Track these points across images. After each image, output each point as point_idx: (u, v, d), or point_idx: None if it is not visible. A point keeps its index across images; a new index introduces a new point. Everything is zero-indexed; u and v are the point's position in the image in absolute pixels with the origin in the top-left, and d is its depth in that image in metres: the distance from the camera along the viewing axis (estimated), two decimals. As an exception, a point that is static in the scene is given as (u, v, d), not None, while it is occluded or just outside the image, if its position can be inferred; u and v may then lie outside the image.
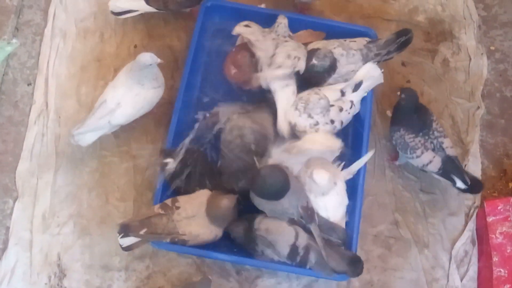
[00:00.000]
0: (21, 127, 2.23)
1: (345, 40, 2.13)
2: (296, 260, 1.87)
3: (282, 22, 2.13)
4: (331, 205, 1.92)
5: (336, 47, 2.09)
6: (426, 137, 2.00)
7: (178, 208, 1.89)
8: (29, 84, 2.30)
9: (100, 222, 2.09)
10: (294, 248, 1.86)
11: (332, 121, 2.04)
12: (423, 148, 1.99)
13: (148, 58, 1.98)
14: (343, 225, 1.96)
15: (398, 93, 2.02)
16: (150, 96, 2.05)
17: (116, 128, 2.09)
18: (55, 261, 2.04)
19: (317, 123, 2.02)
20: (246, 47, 2.13)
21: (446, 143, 2.01)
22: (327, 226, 1.91)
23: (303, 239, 1.87)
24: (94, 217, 2.09)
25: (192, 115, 2.14)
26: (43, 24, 2.38)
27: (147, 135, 2.21)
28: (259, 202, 1.88)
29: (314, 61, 2.07)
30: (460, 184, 2.00)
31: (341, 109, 2.04)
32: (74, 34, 2.36)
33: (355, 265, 1.87)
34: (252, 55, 2.11)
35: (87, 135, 2.04)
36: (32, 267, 2.03)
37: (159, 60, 2.00)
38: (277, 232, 1.88)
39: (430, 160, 2.00)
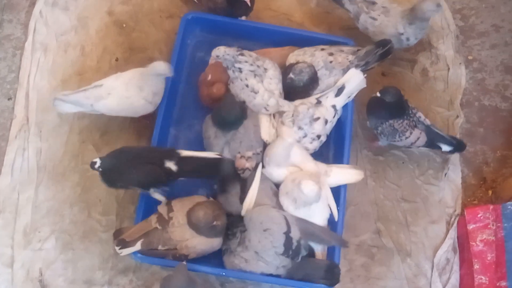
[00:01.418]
0: (1, 142, 2.21)
1: (330, 61, 2.13)
2: (290, 251, 1.86)
3: (221, 50, 2.09)
4: (313, 214, 1.93)
5: (320, 68, 2.12)
6: (409, 118, 2.08)
7: (171, 218, 1.88)
8: (9, 99, 2.29)
9: (82, 236, 2.08)
10: (288, 238, 1.86)
11: (319, 136, 2.07)
12: (410, 129, 2.07)
13: (163, 67, 1.99)
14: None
15: (378, 94, 2.05)
16: (138, 106, 2.04)
17: (97, 113, 2.08)
18: (37, 276, 2.02)
19: (305, 135, 2.04)
20: (218, 70, 2.14)
21: (421, 115, 2.11)
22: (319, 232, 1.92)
23: (295, 232, 1.87)
24: (77, 232, 2.08)
25: (173, 131, 2.16)
26: (24, 38, 2.37)
27: (129, 148, 2.21)
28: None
29: (291, 75, 2.09)
30: (446, 147, 2.11)
31: (326, 122, 2.06)
32: (54, 48, 2.35)
33: (333, 272, 1.89)
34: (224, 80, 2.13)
35: (67, 105, 2.05)
36: (13, 283, 2.01)
37: (171, 74, 2.01)
38: (270, 220, 1.88)
39: (417, 137, 2.09)
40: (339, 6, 2.30)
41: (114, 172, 1.89)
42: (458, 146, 2.13)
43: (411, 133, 2.07)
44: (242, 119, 2.00)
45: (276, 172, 1.99)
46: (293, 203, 1.92)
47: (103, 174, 1.89)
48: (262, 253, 1.86)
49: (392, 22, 2.18)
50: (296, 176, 1.93)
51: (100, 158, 1.87)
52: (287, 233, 1.86)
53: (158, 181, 1.92)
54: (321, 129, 2.06)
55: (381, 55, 2.13)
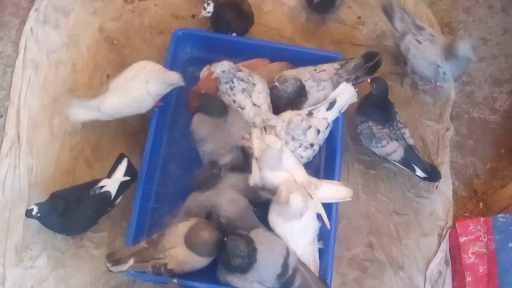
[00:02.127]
0: (-8, 160, 2.21)
1: (315, 70, 2.16)
2: (284, 278, 1.86)
3: (226, 66, 2.07)
4: (297, 229, 1.93)
5: (307, 80, 2.13)
6: (391, 128, 2.10)
7: (162, 242, 1.89)
8: (0, 116, 2.29)
9: (74, 253, 2.07)
10: (285, 264, 1.86)
11: (312, 145, 2.07)
12: (389, 139, 2.09)
13: (176, 78, 2.02)
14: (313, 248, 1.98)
15: (369, 81, 2.08)
16: (139, 101, 2.05)
17: (108, 117, 2.09)
18: (29, 295, 2.02)
19: (300, 145, 2.05)
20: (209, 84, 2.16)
21: (407, 133, 2.13)
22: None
23: (293, 259, 1.88)
24: (68, 249, 2.07)
25: (164, 146, 2.17)
26: (14, 56, 2.38)
27: (121, 164, 2.21)
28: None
29: (276, 83, 2.11)
30: (419, 172, 2.12)
31: (318, 132, 2.07)
32: (46, 65, 2.36)
33: None
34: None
35: (79, 111, 2.07)
36: (5, 302, 2.00)
37: (182, 83, 2.05)
38: (274, 241, 1.90)
39: (394, 150, 2.10)
40: (388, 20, 2.33)
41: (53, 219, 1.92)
42: (433, 174, 2.13)
43: (388, 143, 2.09)
44: (226, 107, 2.06)
45: (271, 175, 1.99)
46: (280, 216, 1.93)
47: (42, 220, 1.92)
48: (261, 270, 1.86)
49: (435, 51, 2.18)
50: (284, 188, 1.93)
51: (37, 204, 1.89)
52: (286, 258, 1.86)
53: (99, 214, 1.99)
54: (314, 137, 2.07)
55: (371, 68, 2.15)
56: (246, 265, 1.82)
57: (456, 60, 2.15)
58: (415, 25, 2.24)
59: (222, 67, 2.06)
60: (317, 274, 1.95)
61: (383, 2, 2.31)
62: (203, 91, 2.11)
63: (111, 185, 1.98)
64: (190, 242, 1.87)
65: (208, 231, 1.88)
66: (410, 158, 2.10)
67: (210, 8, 2.27)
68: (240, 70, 2.10)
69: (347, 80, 2.13)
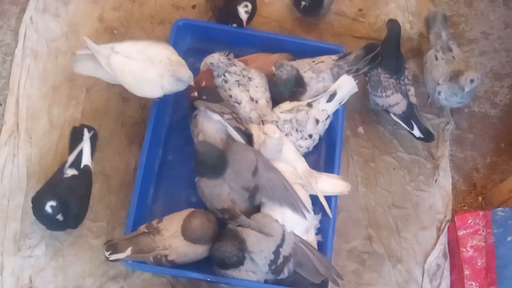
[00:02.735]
0: (-9, 149, 2.21)
1: (314, 61, 2.16)
2: (274, 265, 1.87)
3: (216, 57, 2.06)
4: (288, 217, 1.93)
5: (307, 71, 2.12)
6: (398, 81, 2.13)
7: (161, 229, 1.89)
8: (-1, 105, 2.29)
9: (73, 243, 2.07)
10: (277, 251, 1.87)
11: (311, 135, 2.07)
12: (394, 90, 2.12)
13: (186, 75, 1.96)
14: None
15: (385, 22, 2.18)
16: (148, 78, 1.97)
17: (110, 79, 2.03)
18: (27, 283, 2.01)
19: (302, 137, 2.07)
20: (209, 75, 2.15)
21: (412, 91, 2.18)
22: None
23: (287, 247, 1.88)
24: (67, 238, 2.07)
25: (164, 137, 2.16)
26: (14, 45, 2.37)
27: (120, 155, 2.20)
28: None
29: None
30: (416, 131, 2.16)
31: (317, 121, 2.07)
32: (45, 54, 2.35)
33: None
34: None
35: (86, 63, 2.02)
36: (3, 290, 2.00)
37: (191, 83, 2.00)
38: (271, 228, 1.90)
39: (397, 102, 2.14)
40: (426, 31, 2.33)
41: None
42: (428, 136, 2.18)
43: (392, 93, 2.13)
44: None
45: None
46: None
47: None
48: (255, 254, 1.86)
49: (444, 70, 2.15)
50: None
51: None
52: (279, 246, 1.87)
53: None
54: (312, 128, 2.07)
55: (371, 60, 2.15)
56: (238, 262, 1.85)
57: (455, 86, 2.10)
58: (447, 45, 2.21)
59: (211, 59, 2.06)
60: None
61: (430, 13, 2.31)
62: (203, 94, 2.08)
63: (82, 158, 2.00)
64: (186, 232, 1.87)
65: (200, 219, 1.88)
66: (411, 114, 2.14)
67: (249, 8, 2.21)
68: (233, 64, 2.09)
69: (347, 72, 2.12)
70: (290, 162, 2.00)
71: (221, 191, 1.91)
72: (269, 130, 1.94)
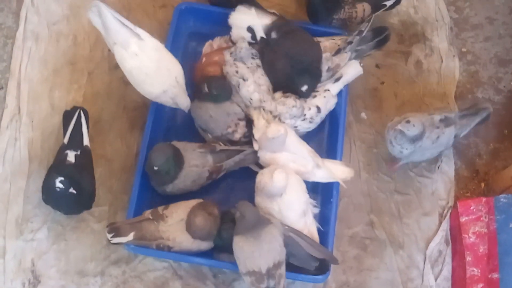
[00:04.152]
0: (-8, 132, 2.20)
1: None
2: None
3: (243, 46, 2.11)
4: (284, 200, 1.92)
5: None
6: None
7: (166, 216, 1.89)
8: (1, 88, 2.27)
9: (75, 227, 2.07)
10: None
11: (319, 108, 2.08)
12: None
13: (184, 104, 2.01)
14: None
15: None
16: (149, 80, 1.93)
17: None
18: (29, 267, 2.01)
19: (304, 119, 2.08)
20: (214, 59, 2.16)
21: None
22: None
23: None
24: (69, 222, 2.07)
25: (166, 121, 2.15)
26: (15, 27, 2.35)
27: (122, 138, 2.20)
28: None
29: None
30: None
31: (318, 109, 2.08)
32: (46, 37, 2.33)
33: (324, 261, 1.91)
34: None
35: (96, 17, 1.90)
36: (5, 274, 2.00)
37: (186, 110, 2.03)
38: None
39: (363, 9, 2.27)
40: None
41: None
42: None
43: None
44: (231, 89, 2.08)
45: (270, 156, 1.98)
46: (264, 195, 1.92)
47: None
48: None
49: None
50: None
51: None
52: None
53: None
54: (314, 114, 2.08)
55: (378, 43, 2.14)
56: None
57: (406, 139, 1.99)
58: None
59: (242, 44, 2.11)
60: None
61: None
62: (210, 76, 2.11)
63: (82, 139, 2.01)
64: (190, 229, 1.87)
65: (204, 216, 1.87)
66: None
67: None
68: (252, 57, 2.12)
69: (355, 51, 2.13)
70: (293, 150, 1.99)
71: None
72: (273, 132, 1.91)
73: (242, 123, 2.07)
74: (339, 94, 2.14)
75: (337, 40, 2.17)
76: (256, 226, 1.81)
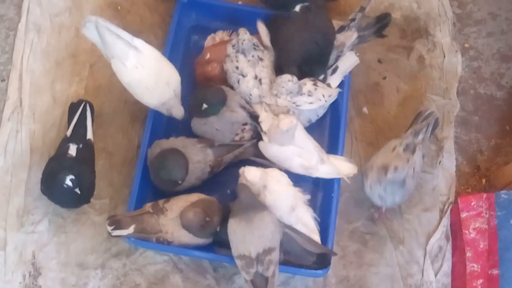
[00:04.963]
0: (-6, 124, 2.20)
1: None
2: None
3: (245, 38, 2.10)
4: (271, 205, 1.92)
5: None
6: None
7: (166, 210, 1.89)
8: (2, 80, 2.27)
9: (75, 219, 2.07)
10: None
11: (315, 83, 2.08)
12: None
13: (179, 115, 2.02)
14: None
15: None
16: (147, 90, 1.93)
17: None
18: (30, 259, 2.02)
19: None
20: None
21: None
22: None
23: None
24: (70, 215, 2.07)
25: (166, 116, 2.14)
26: (17, 19, 2.35)
27: (123, 132, 2.20)
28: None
29: None
30: None
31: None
32: (48, 29, 2.33)
33: (324, 255, 1.92)
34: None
35: (94, 31, 1.85)
36: (6, 265, 2.01)
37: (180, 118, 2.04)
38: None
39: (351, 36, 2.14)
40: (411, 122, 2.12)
41: None
42: None
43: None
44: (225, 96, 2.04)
45: (276, 149, 1.99)
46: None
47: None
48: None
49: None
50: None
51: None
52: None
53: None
54: (311, 88, 2.08)
55: (379, 28, 2.15)
56: None
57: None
58: (413, 147, 1.98)
59: (244, 36, 2.09)
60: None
61: (426, 111, 2.08)
62: (203, 91, 2.08)
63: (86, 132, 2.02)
64: (187, 227, 1.87)
65: (200, 215, 1.86)
66: None
67: None
68: (255, 48, 2.11)
69: (358, 37, 2.13)
70: (301, 143, 1.99)
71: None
72: (285, 125, 1.91)
73: (248, 127, 2.07)
74: (341, 89, 2.14)
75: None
76: (249, 209, 1.83)
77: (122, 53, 1.86)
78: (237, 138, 2.07)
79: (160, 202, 1.91)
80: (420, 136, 2.00)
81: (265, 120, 2.01)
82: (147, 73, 1.90)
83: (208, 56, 2.14)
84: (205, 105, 1.99)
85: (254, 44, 2.11)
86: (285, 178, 1.97)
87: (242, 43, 2.09)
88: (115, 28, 1.86)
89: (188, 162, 1.95)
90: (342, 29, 2.12)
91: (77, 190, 1.88)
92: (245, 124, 2.07)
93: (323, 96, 2.08)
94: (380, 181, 1.91)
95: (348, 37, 2.11)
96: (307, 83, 2.07)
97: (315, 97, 2.08)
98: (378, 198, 1.97)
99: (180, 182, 1.95)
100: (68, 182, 1.86)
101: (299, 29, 2.08)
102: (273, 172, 1.96)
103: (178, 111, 2.00)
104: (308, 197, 2.00)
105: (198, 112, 2.03)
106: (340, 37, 2.11)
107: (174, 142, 1.99)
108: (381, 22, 2.14)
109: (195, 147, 1.98)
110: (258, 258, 1.80)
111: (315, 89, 2.07)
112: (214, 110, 2.01)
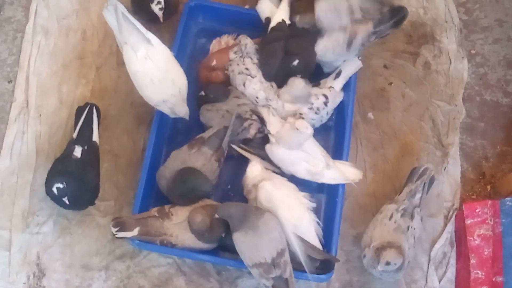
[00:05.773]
0: (0, 125, 2.21)
1: None
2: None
3: (247, 42, 2.12)
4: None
5: None
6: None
7: (172, 214, 1.89)
8: (9, 82, 2.28)
9: (80, 221, 2.08)
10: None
11: (326, 98, 2.08)
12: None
13: (182, 112, 2.01)
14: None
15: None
16: (152, 86, 1.92)
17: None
18: (34, 260, 2.02)
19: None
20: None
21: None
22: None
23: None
24: (75, 217, 2.08)
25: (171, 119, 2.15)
26: (25, 21, 2.36)
27: (129, 134, 2.21)
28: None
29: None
30: None
31: (326, 97, 2.09)
32: (56, 31, 2.34)
33: (328, 261, 1.91)
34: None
35: (113, 14, 1.84)
36: (10, 266, 2.01)
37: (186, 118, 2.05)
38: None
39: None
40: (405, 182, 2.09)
41: None
42: None
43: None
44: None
45: (283, 152, 1.99)
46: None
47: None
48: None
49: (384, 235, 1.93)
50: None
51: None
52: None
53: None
54: (321, 104, 2.09)
55: (395, 23, 2.09)
56: None
57: (374, 259, 1.90)
58: (411, 211, 1.97)
59: (245, 41, 2.11)
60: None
61: (420, 168, 2.05)
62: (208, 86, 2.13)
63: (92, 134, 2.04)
64: (193, 230, 1.88)
65: (202, 214, 1.85)
66: None
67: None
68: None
69: (374, 33, 2.07)
70: (308, 149, 1.99)
71: None
72: (301, 126, 1.91)
73: (255, 116, 2.06)
74: (346, 94, 2.14)
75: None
76: (249, 217, 1.81)
77: (135, 41, 1.86)
78: (245, 125, 2.05)
79: (166, 207, 1.92)
80: (417, 197, 1.98)
81: (273, 123, 2.01)
82: (155, 66, 1.90)
83: (214, 62, 2.14)
84: (211, 94, 2.07)
85: (256, 49, 2.12)
86: (295, 191, 1.98)
87: (245, 47, 2.10)
88: (133, 19, 1.87)
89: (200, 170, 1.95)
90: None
91: (65, 199, 1.88)
92: (253, 111, 2.07)
93: (327, 114, 2.11)
94: (375, 267, 1.88)
95: (360, 27, 2.06)
96: (320, 98, 2.08)
97: (320, 116, 2.10)
98: (378, 274, 1.94)
99: (211, 191, 1.99)
100: (54, 190, 1.87)
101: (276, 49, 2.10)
102: (268, 183, 1.95)
103: (181, 109, 2.00)
104: (314, 205, 2.00)
105: (203, 102, 2.09)
106: (353, 27, 2.06)
107: (172, 165, 1.98)
108: (397, 16, 2.06)
109: (191, 155, 1.97)
110: (274, 262, 1.80)
111: (323, 108, 2.08)
112: (220, 97, 2.07)
